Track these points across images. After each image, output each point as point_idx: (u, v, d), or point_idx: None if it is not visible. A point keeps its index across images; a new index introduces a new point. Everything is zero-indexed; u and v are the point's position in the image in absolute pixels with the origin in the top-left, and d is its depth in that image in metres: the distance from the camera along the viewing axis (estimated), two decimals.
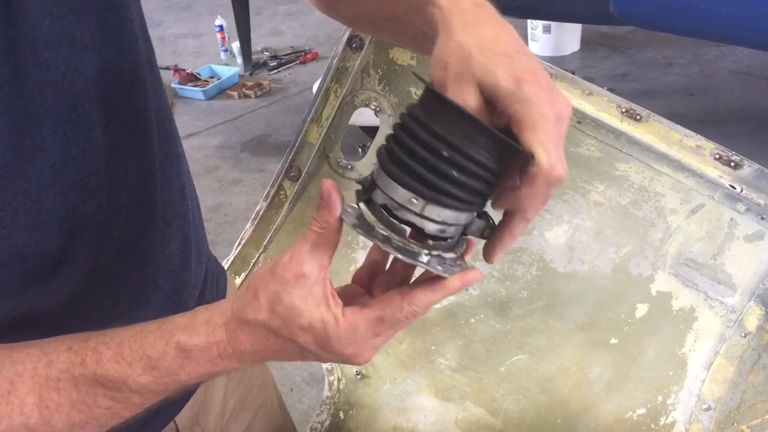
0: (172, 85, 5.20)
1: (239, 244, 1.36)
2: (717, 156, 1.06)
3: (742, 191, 1.06)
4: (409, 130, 0.50)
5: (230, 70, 5.44)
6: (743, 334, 1.10)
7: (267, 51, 5.85)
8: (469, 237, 0.57)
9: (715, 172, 1.07)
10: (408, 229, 0.53)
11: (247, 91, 5.16)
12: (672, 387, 1.11)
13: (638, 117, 1.09)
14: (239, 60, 5.62)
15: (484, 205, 0.54)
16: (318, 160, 1.26)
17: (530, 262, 1.30)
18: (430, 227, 0.51)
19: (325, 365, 1.24)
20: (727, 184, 1.06)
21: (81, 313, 0.69)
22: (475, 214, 0.55)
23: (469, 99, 0.51)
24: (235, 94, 5.16)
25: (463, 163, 0.49)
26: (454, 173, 0.49)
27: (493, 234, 0.56)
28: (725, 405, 1.07)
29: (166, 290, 0.79)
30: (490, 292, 1.31)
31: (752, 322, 1.11)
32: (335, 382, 1.22)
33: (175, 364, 0.58)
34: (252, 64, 5.54)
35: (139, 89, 0.70)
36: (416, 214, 0.50)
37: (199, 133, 4.66)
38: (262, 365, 1.09)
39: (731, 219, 1.09)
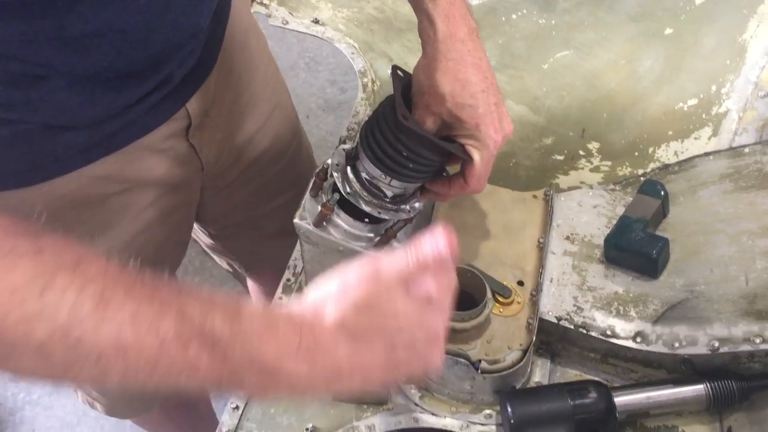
0: None
1: None
2: None
3: None
4: (383, 133, 0.72)
5: None
6: None
7: None
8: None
9: None
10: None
11: None
12: (728, 76, 1.05)
13: None
14: None
15: (429, 179, 0.78)
16: None
17: None
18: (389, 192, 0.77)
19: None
20: None
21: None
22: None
23: (429, 124, 0.72)
24: None
25: (416, 159, 0.73)
26: (410, 165, 0.73)
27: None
28: None
29: None
30: None
31: None
32: (369, 84, 1.16)
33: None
34: None
35: None
36: (386, 184, 0.75)
37: None
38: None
39: None
